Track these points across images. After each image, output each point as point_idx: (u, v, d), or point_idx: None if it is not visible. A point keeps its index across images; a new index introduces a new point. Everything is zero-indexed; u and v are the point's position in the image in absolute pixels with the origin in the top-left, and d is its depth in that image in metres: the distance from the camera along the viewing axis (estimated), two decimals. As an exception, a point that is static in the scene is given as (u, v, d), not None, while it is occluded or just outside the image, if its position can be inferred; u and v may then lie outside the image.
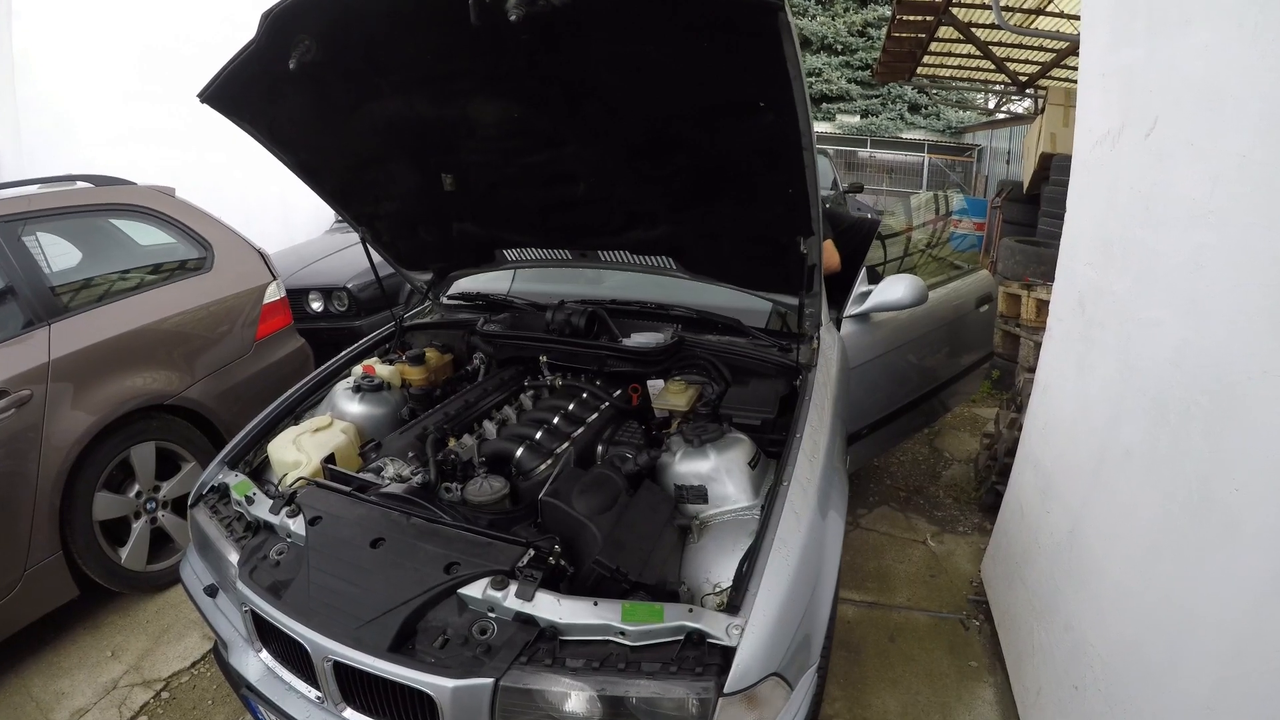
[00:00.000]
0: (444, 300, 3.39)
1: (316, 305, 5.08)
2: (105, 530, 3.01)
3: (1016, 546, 2.70)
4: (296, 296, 4.84)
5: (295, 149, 2.51)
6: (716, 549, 1.78)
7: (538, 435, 2.25)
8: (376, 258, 2.98)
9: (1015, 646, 2.57)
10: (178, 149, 6.55)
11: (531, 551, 1.60)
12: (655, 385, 2.46)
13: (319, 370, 2.84)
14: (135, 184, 3.77)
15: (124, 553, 3.07)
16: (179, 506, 3.30)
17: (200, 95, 2.22)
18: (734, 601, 1.49)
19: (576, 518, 1.72)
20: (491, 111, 2.18)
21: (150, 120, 6.63)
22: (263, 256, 3.94)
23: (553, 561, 1.60)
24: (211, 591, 2.11)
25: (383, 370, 2.83)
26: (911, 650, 2.88)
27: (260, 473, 2.44)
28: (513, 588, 1.51)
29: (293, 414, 2.63)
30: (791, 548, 1.58)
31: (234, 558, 2.00)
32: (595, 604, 1.47)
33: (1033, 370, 3.36)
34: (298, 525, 1.88)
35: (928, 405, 3.92)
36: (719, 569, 1.72)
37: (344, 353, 2.98)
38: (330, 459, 2.26)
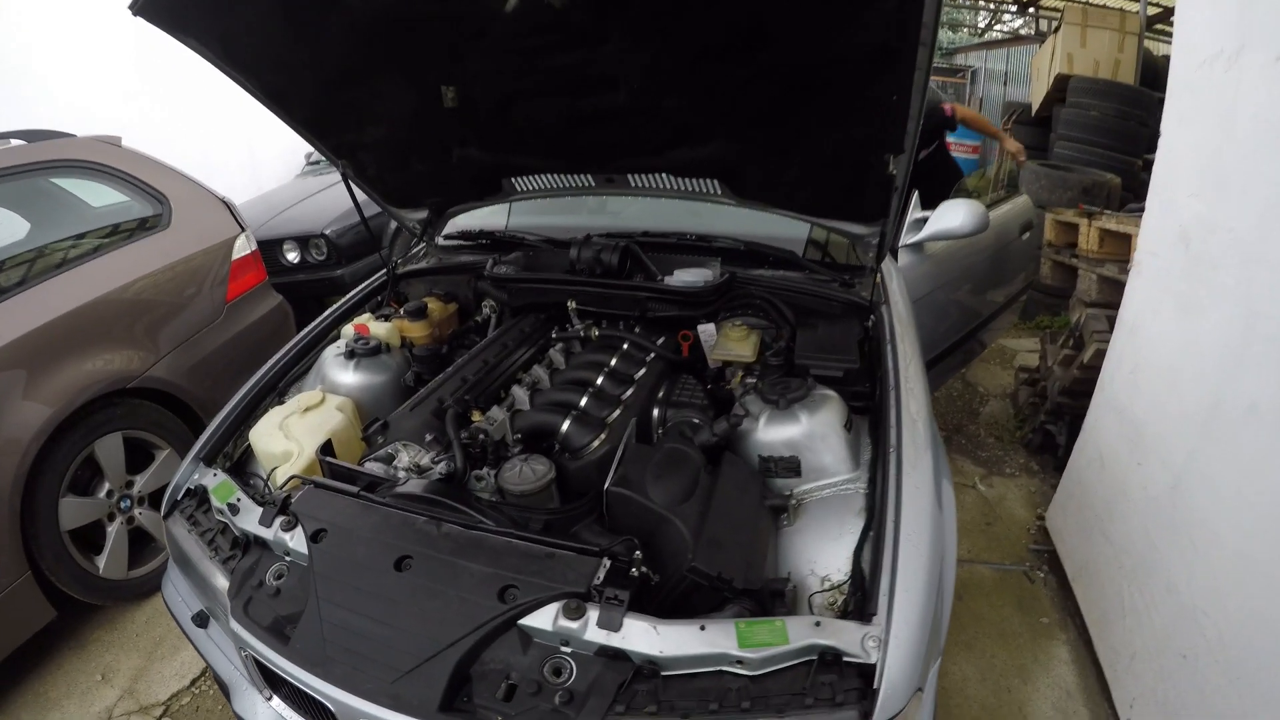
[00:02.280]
0: (440, 241, 2.97)
1: (292, 256, 4.79)
2: (77, 539, 2.71)
3: (1095, 498, 2.58)
4: (269, 248, 4.61)
5: (256, 69, 2.04)
6: (818, 533, 1.51)
7: (583, 401, 1.87)
8: (361, 196, 2.55)
9: (1098, 605, 2.47)
10: (122, 99, 5.99)
11: (608, 563, 1.30)
12: (707, 331, 2.16)
13: (302, 334, 2.45)
14: (74, 135, 3.35)
15: (101, 562, 2.79)
16: (158, 500, 2.92)
17: (132, 6, 1.75)
18: (858, 603, 1.30)
19: (655, 511, 1.42)
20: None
21: (91, 66, 6.07)
22: (228, 206, 3.61)
23: (635, 573, 1.29)
24: (202, 620, 1.76)
25: (378, 329, 2.44)
26: (980, 608, 2.76)
27: (244, 465, 2.07)
28: (592, 614, 1.23)
29: (276, 390, 2.25)
30: (920, 532, 1.34)
31: (221, 582, 1.64)
32: (703, 628, 1.20)
33: (1095, 305, 3.23)
34: (297, 540, 1.53)
35: (968, 344, 3.68)
36: (825, 558, 1.46)
37: (330, 310, 2.59)
38: (327, 447, 1.87)
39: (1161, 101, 2.44)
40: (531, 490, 1.62)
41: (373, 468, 1.76)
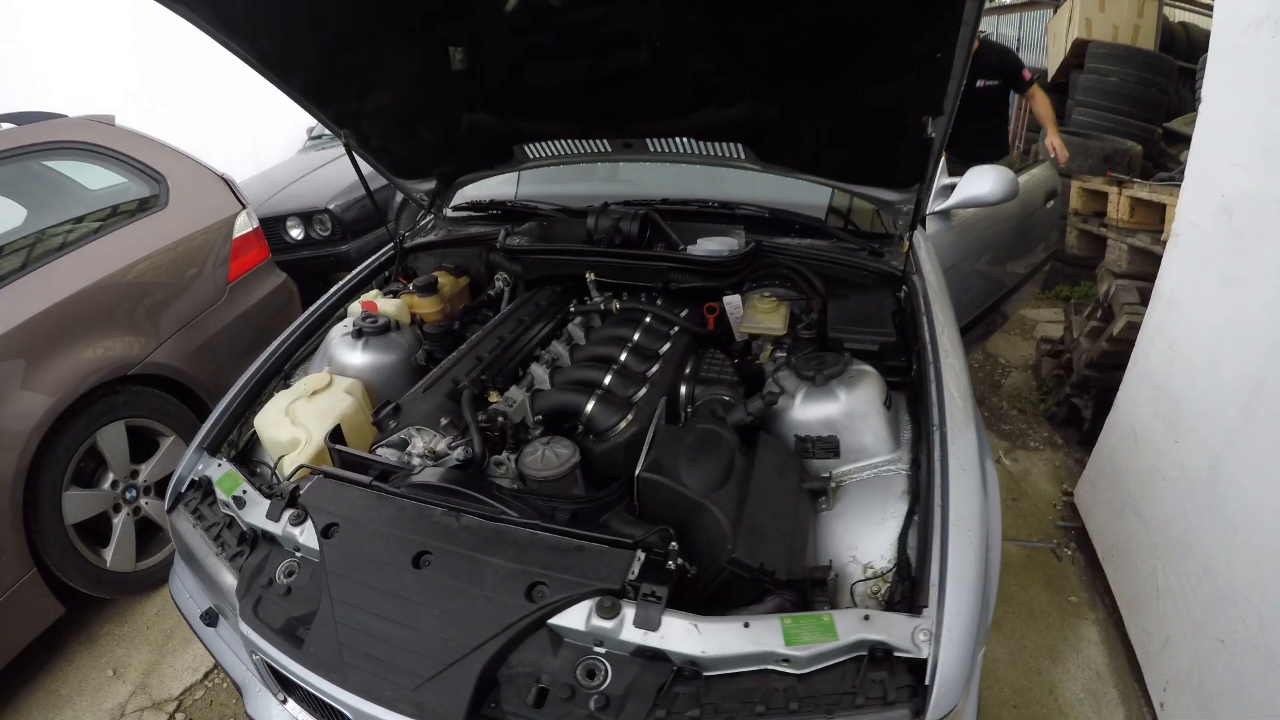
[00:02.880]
0: (449, 212, 2.86)
1: (296, 233, 4.70)
2: (82, 532, 2.65)
3: (1128, 475, 2.52)
4: (272, 226, 4.53)
5: (251, 34, 1.91)
6: (858, 516, 1.44)
7: (607, 380, 1.77)
8: (366, 168, 2.43)
9: (1130, 586, 2.42)
10: (122, 92, 5.87)
11: (642, 555, 1.22)
12: (732, 303, 2.06)
13: (307, 313, 2.35)
14: (65, 116, 3.24)
15: (108, 554, 2.73)
16: (164, 488, 2.84)
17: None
18: (905, 593, 1.24)
19: (690, 498, 1.33)
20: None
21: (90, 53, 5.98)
22: (228, 183, 3.49)
23: (672, 566, 1.21)
24: (210, 619, 1.69)
25: (386, 306, 2.34)
26: (1009, 587, 2.71)
27: (250, 454, 1.99)
28: (629, 612, 1.15)
29: (281, 373, 2.15)
30: (969, 517, 1.26)
31: (229, 579, 1.56)
32: (746, 625, 1.13)
33: (1125, 276, 3.23)
34: (307, 535, 1.43)
35: (992, 316, 3.58)
36: (867, 544, 1.39)
37: (335, 287, 2.48)
38: (336, 434, 1.77)
39: (1181, 69, 2.31)
40: (555, 476, 1.52)
41: (385, 454, 1.66)
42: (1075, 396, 3.53)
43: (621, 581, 1.18)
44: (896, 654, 1.09)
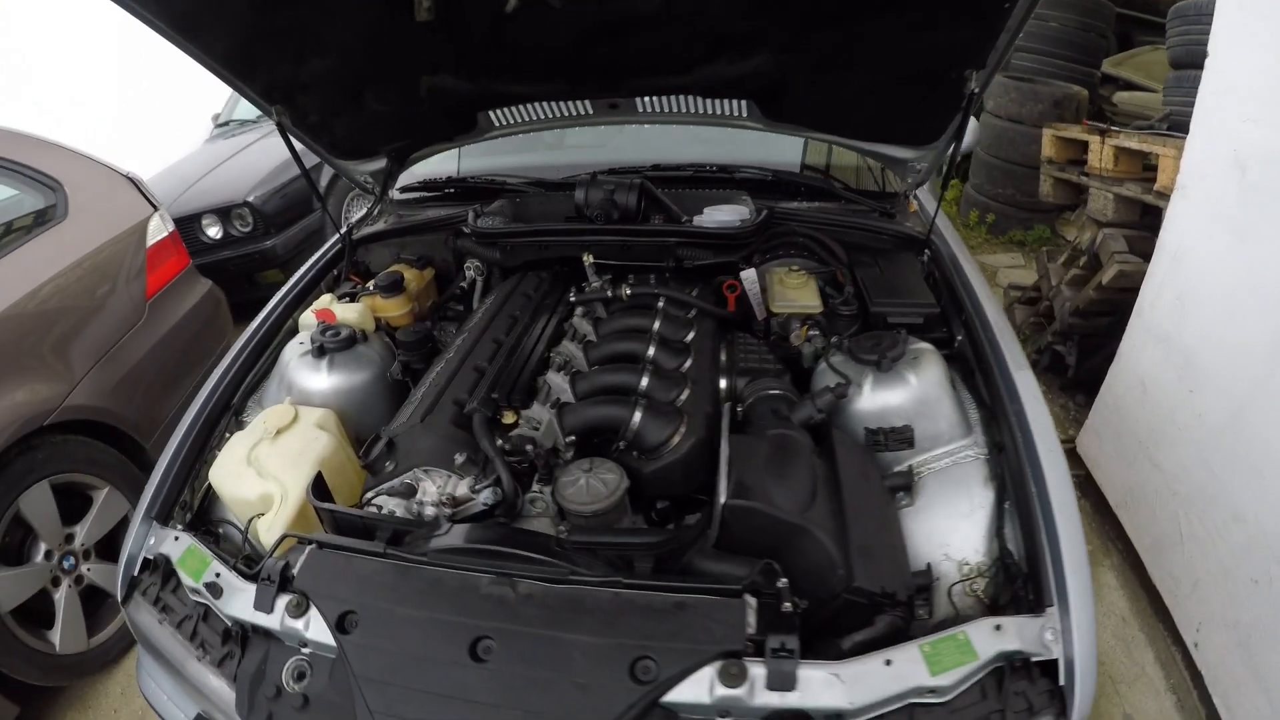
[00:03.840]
0: (395, 194, 2.53)
1: (213, 231, 4.35)
2: (22, 616, 2.28)
3: (1137, 424, 2.55)
4: (186, 226, 4.20)
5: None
6: (943, 510, 1.36)
7: (644, 383, 1.53)
8: (302, 149, 2.06)
9: (1149, 532, 2.45)
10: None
11: (753, 601, 1.08)
12: (749, 278, 1.92)
13: (249, 331, 1.99)
14: None
15: (55, 637, 2.36)
16: (105, 548, 2.53)
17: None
18: (1013, 590, 1.19)
19: (788, 522, 1.19)
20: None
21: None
22: (135, 183, 3.08)
23: (790, 607, 1.07)
24: (205, 730, 1.39)
25: (345, 312, 2.03)
26: None
27: (208, 513, 1.68)
28: (757, 672, 1.02)
29: (230, 409, 1.82)
30: (1069, 502, 1.19)
31: (217, 684, 1.28)
32: (889, 663, 1.04)
33: (1112, 224, 3.26)
34: (316, 629, 1.16)
35: None
36: (958, 540, 1.31)
37: (278, 295, 2.14)
38: (319, 485, 1.45)
39: (1119, 14, 2.21)
40: (605, 509, 1.29)
41: (389, 507, 1.38)
42: (1058, 344, 3.54)
43: (742, 639, 1.03)
44: (1031, 660, 1.04)
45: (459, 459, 1.36)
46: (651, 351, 1.63)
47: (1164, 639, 2.26)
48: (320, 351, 1.82)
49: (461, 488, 1.35)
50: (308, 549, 1.27)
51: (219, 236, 4.32)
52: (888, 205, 2.07)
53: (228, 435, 1.76)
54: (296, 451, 1.59)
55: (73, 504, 2.46)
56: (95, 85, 5.70)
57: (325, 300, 2.09)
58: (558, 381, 1.57)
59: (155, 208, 3.07)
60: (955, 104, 1.60)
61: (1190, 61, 3.20)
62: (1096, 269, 3.24)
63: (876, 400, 1.47)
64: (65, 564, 2.41)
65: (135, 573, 1.49)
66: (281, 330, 2.05)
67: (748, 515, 1.19)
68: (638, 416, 1.41)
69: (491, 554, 1.17)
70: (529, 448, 1.38)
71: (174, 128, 6.03)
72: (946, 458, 1.43)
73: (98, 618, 2.53)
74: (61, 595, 2.39)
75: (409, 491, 1.38)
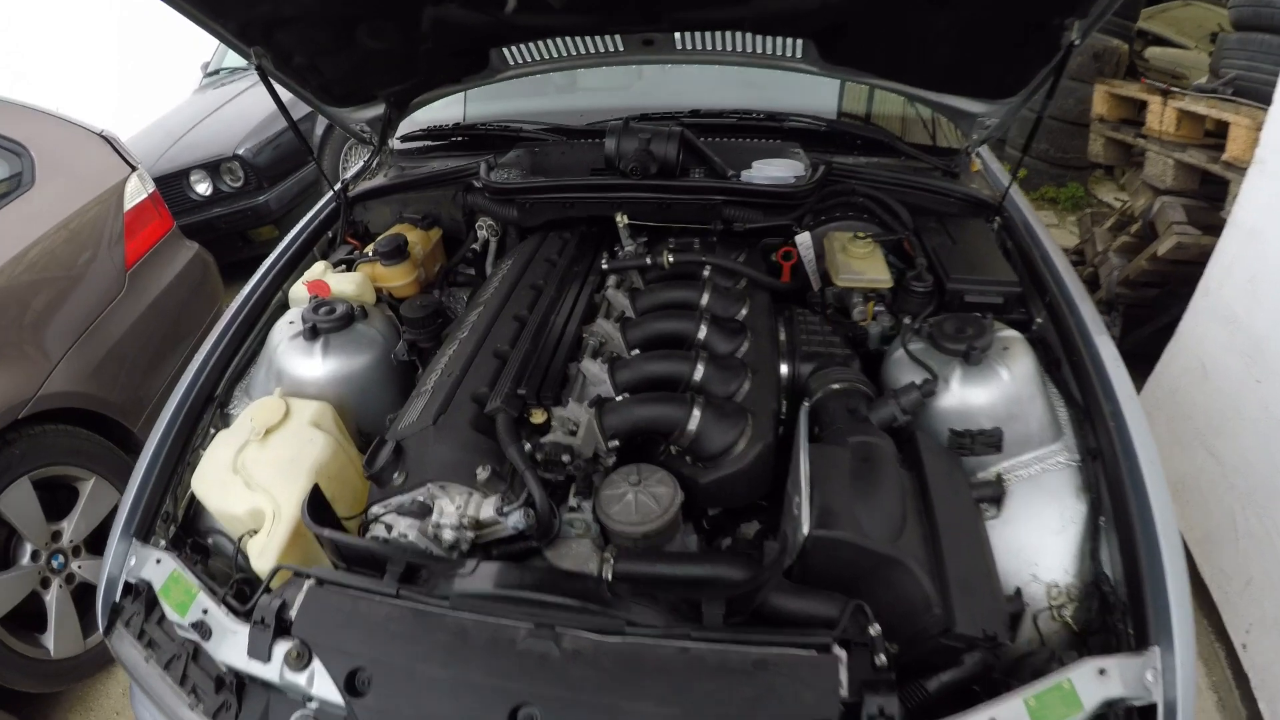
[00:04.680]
0: (396, 143, 2.26)
1: (202, 188, 4.13)
2: (13, 621, 2.12)
3: (1194, 409, 2.45)
4: (173, 183, 4.02)
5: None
6: (1032, 523, 1.22)
7: (698, 373, 1.30)
8: (287, 95, 1.82)
9: (1201, 524, 2.36)
10: None
11: (843, 654, 0.92)
12: (804, 242, 1.72)
13: (233, 308, 1.76)
14: None
15: (50, 641, 2.20)
16: (96, 543, 2.35)
17: None
18: (1102, 618, 1.08)
19: (879, 553, 1.02)
20: None
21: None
22: (109, 142, 2.83)
23: (883, 659, 0.93)
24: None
25: (342, 284, 1.80)
26: None
27: (195, 524, 1.48)
28: None
29: (214, 400, 1.60)
30: (1170, 523, 1.07)
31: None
32: None
33: (1170, 192, 3.17)
34: (321, 684, 0.98)
35: None
36: (1047, 559, 1.18)
37: (265, 264, 1.90)
38: (315, 500, 1.22)
39: None
40: (657, 530, 1.10)
41: (399, 529, 1.15)
42: (1102, 313, 3.47)
43: (836, 706, 0.87)
44: (1129, 704, 0.94)
45: (482, 474, 1.13)
46: (703, 332, 1.40)
47: (1207, 634, 2.19)
48: (313, 333, 1.58)
49: (486, 509, 1.12)
50: (306, 585, 1.06)
51: (208, 193, 4.10)
52: (951, 163, 1.89)
53: (213, 431, 1.56)
54: (289, 458, 1.38)
55: (57, 498, 2.28)
56: (90, 40, 5.45)
57: (318, 270, 1.85)
58: (594, 370, 1.32)
59: (133, 168, 2.81)
60: (1047, 55, 1.44)
61: (1257, 24, 3.05)
62: (1150, 238, 3.16)
63: (964, 397, 1.30)
64: (54, 563, 2.23)
65: (116, 598, 1.32)
66: (270, 305, 1.82)
67: (835, 549, 1.01)
68: (696, 418, 1.19)
69: (529, 601, 0.96)
70: (565, 458, 1.14)
71: (170, 79, 5.74)
72: (1036, 464, 1.28)
73: (93, 616, 2.34)
74: (53, 597, 2.22)
75: (423, 511, 1.16)
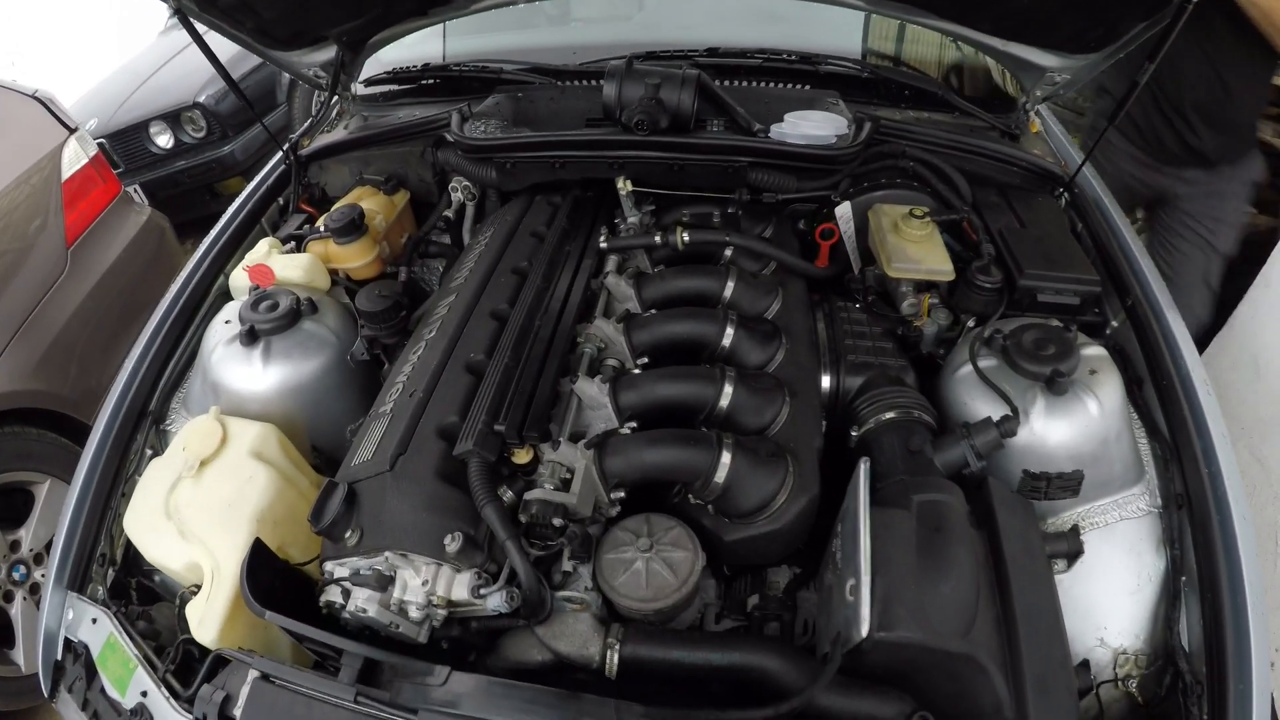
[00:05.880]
0: (359, 89, 1.96)
1: (163, 140, 3.83)
2: None
3: (1242, 408, 2.27)
4: (132, 136, 3.77)
5: None
6: (1106, 581, 1.09)
7: (725, 396, 1.07)
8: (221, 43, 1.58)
9: None
10: None
11: None
12: (844, 215, 1.47)
13: (166, 301, 1.53)
14: None
15: (19, 656, 2.08)
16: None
17: None
18: (1176, 689, 0.97)
19: (948, 652, 0.85)
20: None
21: None
22: (43, 104, 2.55)
23: None
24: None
25: (288, 268, 1.54)
26: None
27: (137, 564, 1.28)
28: None
29: (148, 415, 1.39)
30: (1258, 590, 0.96)
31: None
32: None
33: None
34: None
35: None
36: (1117, 621, 1.07)
37: (205, 244, 1.67)
38: (258, 556, 0.99)
39: None
40: (673, 605, 0.90)
41: (358, 603, 0.93)
42: None
43: None
44: None
45: (451, 544, 0.90)
46: (728, 337, 1.15)
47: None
48: (251, 336, 1.33)
49: (459, 588, 0.91)
50: (250, 679, 0.92)
51: (170, 146, 3.81)
52: (1010, 121, 1.64)
53: (149, 453, 1.36)
54: (226, 499, 1.17)
55: (12, 503, 2.11)
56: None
57: (261, 251, 1.57)
58: (591, 392, 1.06)
59: (71, 130, 2.52)
60: (1148, 9, 1.22)
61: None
62: None
63: (1043, 434, 1.10)
64: (15, 575, 2.08)
65: (58, 655, 1.20)
66: (211, 293, 1.59)
67: (900, 651, 0.84)
68: (726, 466, 0.95)
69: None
70: (557, 521, 0.90)
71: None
72: (1114, 510, 1.14)
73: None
74: (17, 610, 2.08)
75: (383, 582, 0.93)
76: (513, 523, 0.92)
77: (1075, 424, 1.11)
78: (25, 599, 2.08)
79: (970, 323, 1.32)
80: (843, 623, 0.85)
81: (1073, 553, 1.08)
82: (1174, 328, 1.27)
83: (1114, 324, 1.35)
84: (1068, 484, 1.12)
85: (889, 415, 1.12)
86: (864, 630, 0.80)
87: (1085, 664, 1.02)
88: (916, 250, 1.32)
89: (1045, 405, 1.11)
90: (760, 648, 0.90)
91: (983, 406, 1.13)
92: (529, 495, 0.94)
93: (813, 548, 1.05)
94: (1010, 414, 1.08)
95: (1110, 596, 1.09)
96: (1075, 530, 1.11)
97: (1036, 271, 1.30)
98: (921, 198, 1.49)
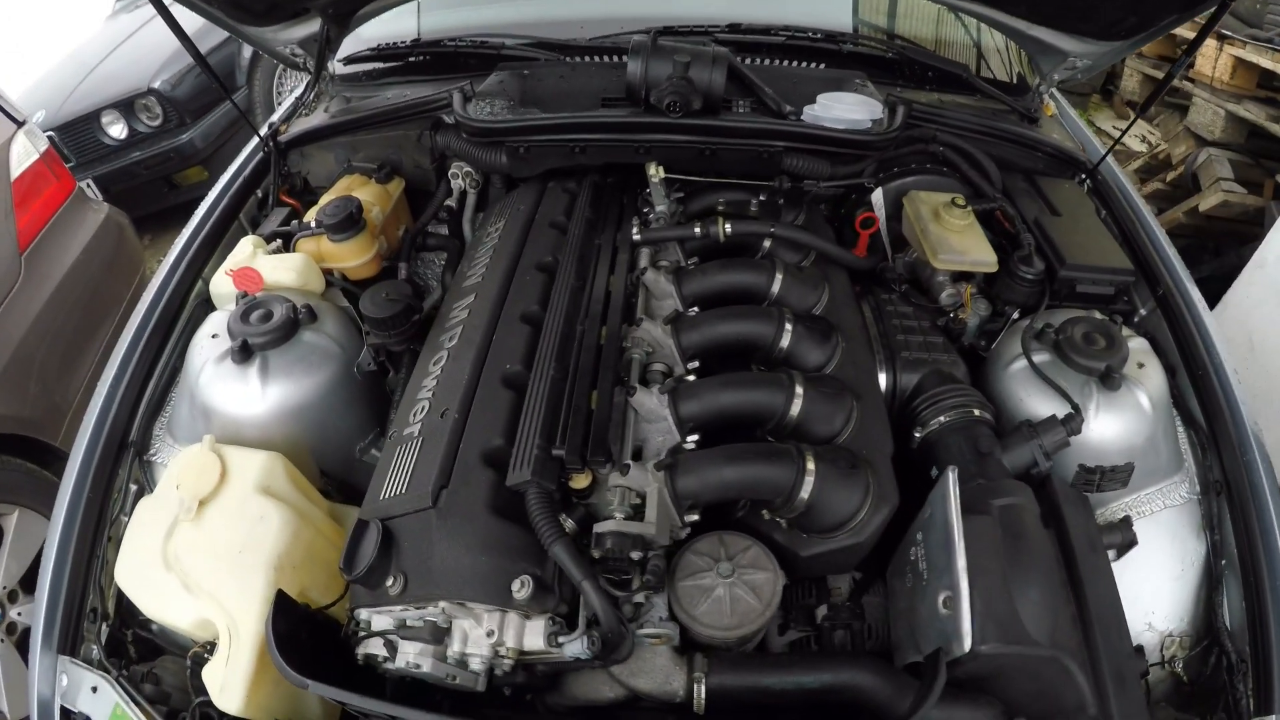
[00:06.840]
0: (338, 67, 1.82)
1: (116, 130, 3.64)
2: None
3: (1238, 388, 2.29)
4: (83, 127, 3.59)
5: None
6: (1153, 566, 1.13)
7: (795, 404, 0.98)
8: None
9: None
10: None
11: None
12: (877, 201, 1.46)
13: (142, 311, 1.37)
14: None
15: (1, 702, 1.91)
16: (31, 582, 1.99)
17: None
18: (1222, 671, 1.02)
19: (1038, 656, 0.84)
20: None
21: None
22: None
23: None
24: None
25: (277, 270, 1.39)
26: None
27: (131, 613, 1.14)
28: None
29: (129, 447, 1.24)
30: None
31: None
32: None
33: (1218, 145, 3.10)
34: None
35: None
36: (1164, 605, 1.12)
37: (179, 244, 1.50)
38: (286, 612, 0.87)
39: None
40: (754, 631, 0.87)
41: (410, 657, 0.83)
42: None
43: None
44: None
45: (521, 591, 0.78)
46: (787, 336, 1.07)
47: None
48: (245, 352, 1.18)
49: (532, 636, 0.82)
50: None
51: (124, 136, 3.62)
52: (1029, 104, 1.64)
53: (134, 488, 1.21)
54: (235, 544, 1.04)
55: None
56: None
57: (245, 252, 1.41)
58: (651, 405, 0.96)
59: (18, 123, 2.32)
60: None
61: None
62: (1189, 190, 3.08)
63: (1100, 429, 1.14)
64: None
65: None
66: (189, 301, 1.43)
67: (999, 663, 0.84)
68: (810, 482, 0.89)
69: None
70: (634, 554, 0.79)
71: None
72: (1159, 499, 1.19)
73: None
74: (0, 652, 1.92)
75: (437, 635, 0.81)
76: (585, 559, 0.82)
77: (1128, 418, 1.15)
78: (2, 641, 1.92)
79: (1014, 315, 1.32)
80: (938, 635, 0.83)
81: (1126, 543, 1.09)
82: (1201, 313, 1.31)
83: (1142, 312, 1.37)
84: (1119, 476, 1.15)
85: (952, 416, 1.11)
86: (967, 644, 0.78)
87: (1140, 650, 1.05)
88: (960, 240, 1.30)
89: (1101, 401, 1.14)
90: (851, 665, 0.86)
91: (1038, 402, 1.15)
92: (601, 528, 0.84)
93: (873, 551, 1.00)
94: (1074, 414, 1.09)
95: (1156, 582, 1.13)
96: (1128, 521, 1.12)
97: (1077, 262, 1.31)
98: (952, 183, 1.47)
